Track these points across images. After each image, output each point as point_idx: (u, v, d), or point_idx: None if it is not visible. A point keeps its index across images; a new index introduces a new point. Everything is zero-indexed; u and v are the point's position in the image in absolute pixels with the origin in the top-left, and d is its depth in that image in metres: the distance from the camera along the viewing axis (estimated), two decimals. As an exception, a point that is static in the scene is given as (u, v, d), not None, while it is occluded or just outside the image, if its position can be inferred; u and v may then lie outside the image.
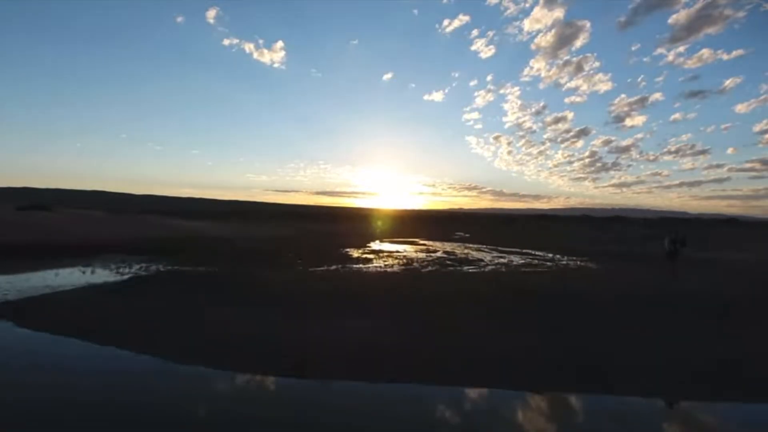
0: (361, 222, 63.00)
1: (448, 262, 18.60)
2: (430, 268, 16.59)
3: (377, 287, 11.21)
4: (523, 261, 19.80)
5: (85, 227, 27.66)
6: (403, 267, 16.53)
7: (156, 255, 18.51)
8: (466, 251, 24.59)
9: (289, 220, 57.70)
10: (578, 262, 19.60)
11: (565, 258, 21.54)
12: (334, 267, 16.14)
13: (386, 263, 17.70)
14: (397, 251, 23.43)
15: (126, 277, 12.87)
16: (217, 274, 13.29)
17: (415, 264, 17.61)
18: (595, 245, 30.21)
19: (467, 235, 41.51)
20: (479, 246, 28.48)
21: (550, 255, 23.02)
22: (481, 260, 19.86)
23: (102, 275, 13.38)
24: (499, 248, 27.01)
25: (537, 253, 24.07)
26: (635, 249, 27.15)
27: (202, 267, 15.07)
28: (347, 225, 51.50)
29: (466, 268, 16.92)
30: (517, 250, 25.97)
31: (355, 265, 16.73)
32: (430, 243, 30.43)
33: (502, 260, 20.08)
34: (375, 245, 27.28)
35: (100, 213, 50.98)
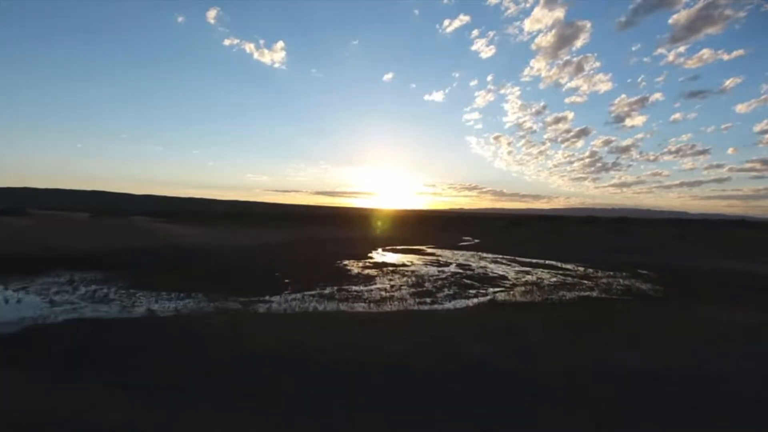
0: (362, 225, 59.98)
1: (467, 281, 15.50)
2: (446, 291, 13.49)
3: (381, 342, 8.18)
4: (555, 279, 16.66)
5: (50, 235, 24.68)
6: (413, 291, 13.42)
7: (117, 272, 15.47)
8: (482, 264, 21.48)
9: (287, 223, 54.67)
10: (621, 281, 16.47)
11: (601, 273, 18.40)
12: (328, 290, 13.06)
13: (392, 283, 14.62)
14: (404, 264, 20.33)
15: (43, 312, 9.80)
16: (166, 318, 10.30)
17: (427, 284, 14.52)
18: (623, 253, 27.06)
19: (476, 241, 38.35)
20: (495, 256, 25.34)
21: (581, 269, 19.88)
22: (505, 278, 16.74)
23: (25, 305, 10.32)
24: (518, 259, 23.88)
25: (565, 266, 20.91)
26: (673, 261, 23.98)
27: (163, 292, 12.03)
28: (347, 229, 48.42)
29: (491, 290, 13.81)
30: (540, 261, 22.84)
31: (354, 287, 13.66)
32: (439, 252, 27.31)
33: (529, 277, 16.95)
34: (378, 255, 24.20)
35: (84, 216, 48.01)
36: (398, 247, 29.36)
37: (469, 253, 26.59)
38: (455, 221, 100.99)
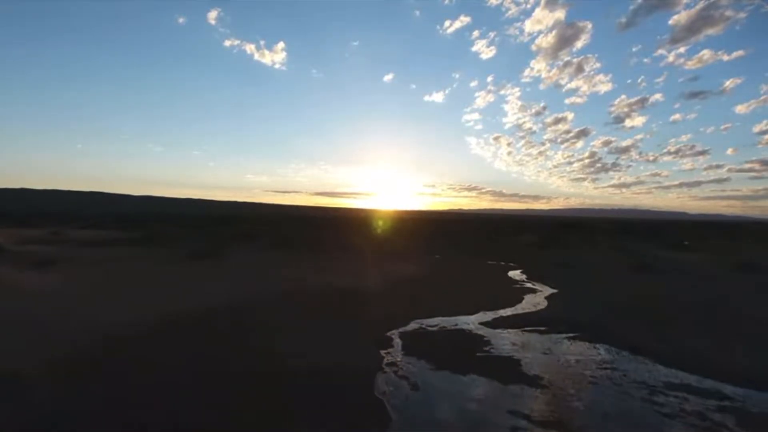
0: (361, 244, 45.96)
1: None
2: None
3: None
4: None
5: None
6: None
7: None
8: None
9: (254, 245, 40.64)
10: None
11: None
12: None
13: None
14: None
15: None
16: None
17: None
18: None
19: (546, 290, 24.36)
20: (632, 356, 11.51)
21: None
22: None
23: None
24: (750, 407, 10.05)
25: None
26: None
27: None
28: (337, 260, 34.49)
29: None
30: None
31: None
32: (526, 350, 13.45)
33: None
34: (398, 398, 10.29)
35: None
36: (432, 327, 15.38)
37: (591, 361, 12.63)
38: (466, 229, 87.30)
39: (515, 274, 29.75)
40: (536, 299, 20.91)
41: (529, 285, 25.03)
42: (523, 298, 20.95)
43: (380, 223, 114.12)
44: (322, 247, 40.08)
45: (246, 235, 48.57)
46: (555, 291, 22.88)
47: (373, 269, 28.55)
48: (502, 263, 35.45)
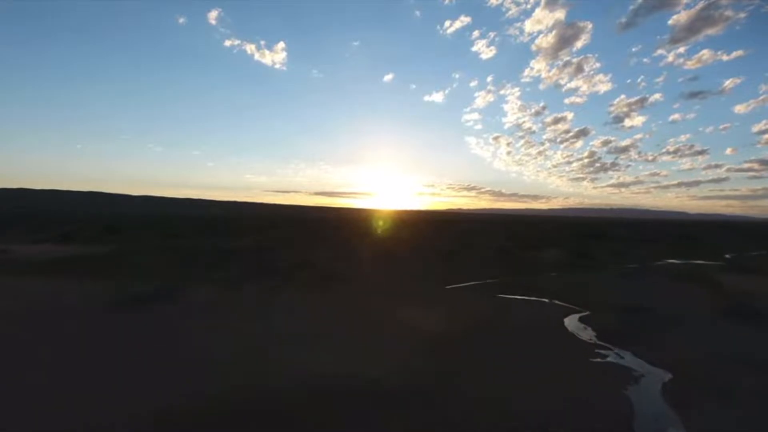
0: (368, 267, 38.12)
1: None
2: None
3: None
4: None
5: None
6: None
7: None
8: None
9: (233, 284, 32.70)
10: None
11: None
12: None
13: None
14: None
15: None
16: None
17: None
18: None
19: (654, 370, 16.41)
20: None
21: None
22: None
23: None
24: None
25: None
26: None
27: None
28: (342, 302, 26.55)
29: None
30: None
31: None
32: None
33: None
34: None
35: None
36: None
37: None
38: (473, 238, 79.39)
39: (575, 325, 21.82)
40: (651, 402, 12.94)
41: (612, 357, 17.00)
42: (628, 398, 12.99)
43: (380, 224, 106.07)
44: (311, 276, 32.02)
45: (221, 257, 40.46)
46: (667, 376, 14.82)
47: (379, 325, 20.63)
48: (546, 300, 27.54)
